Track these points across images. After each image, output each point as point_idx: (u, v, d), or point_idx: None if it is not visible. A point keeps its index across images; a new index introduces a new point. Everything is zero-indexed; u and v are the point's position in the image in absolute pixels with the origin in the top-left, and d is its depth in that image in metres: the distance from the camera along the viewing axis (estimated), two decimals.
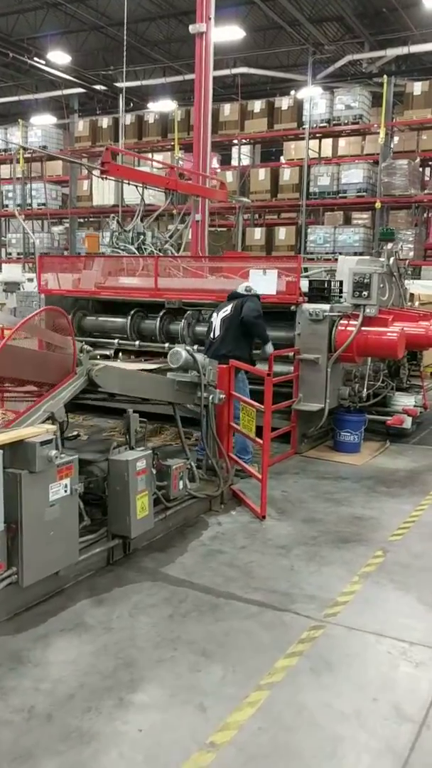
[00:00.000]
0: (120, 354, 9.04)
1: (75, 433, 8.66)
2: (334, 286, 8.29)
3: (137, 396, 5.89)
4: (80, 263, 10.32)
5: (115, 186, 20.86)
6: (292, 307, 8.00)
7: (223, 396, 6.28)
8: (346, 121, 19.61)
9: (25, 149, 23.02)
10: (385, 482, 7.25)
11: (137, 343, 8.96)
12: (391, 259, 8.66)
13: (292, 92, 21.56)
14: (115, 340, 9.07)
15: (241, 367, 6.63)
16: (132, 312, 9.07)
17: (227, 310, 7.35)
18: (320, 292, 8.11)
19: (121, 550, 5.20)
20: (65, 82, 21.73)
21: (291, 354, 8.02)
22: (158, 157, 19.70)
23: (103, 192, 21.99)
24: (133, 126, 22.26)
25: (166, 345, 8.69)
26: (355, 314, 7.80)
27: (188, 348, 6.02)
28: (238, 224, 18.15)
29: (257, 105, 20.84)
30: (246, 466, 6.68)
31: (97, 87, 21.95)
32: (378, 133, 19.05)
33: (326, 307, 7.86)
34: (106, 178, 10.94)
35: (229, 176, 21.24)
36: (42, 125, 23.63)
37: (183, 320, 8.67)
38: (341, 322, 7.91)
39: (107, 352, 8.96)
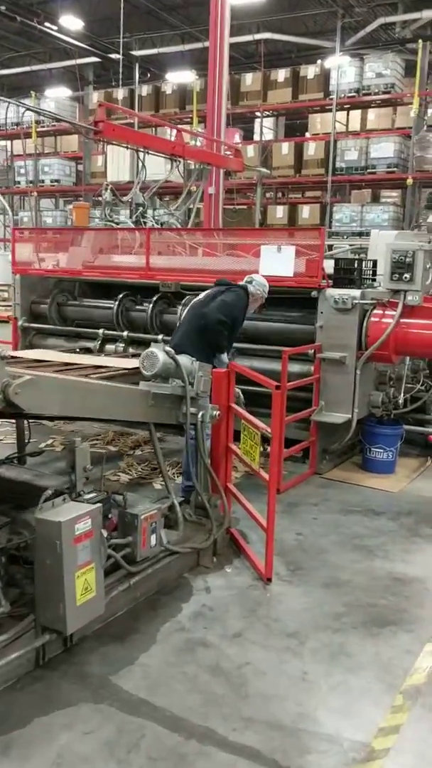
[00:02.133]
0: (105, 346, 7.30)
1: (49, 441, 7.02)
2: (365, 266, 6.48)
3: (91, 417, 4.16)
4: (64, 237, 8.56)
5: (130, 161, 19.03)
6: (313, 293, 6.19)
7: (217, 412, 4.52)
8: (376, 90, 17.50)
9: (37, 123, 21.30)
10: (429, 520, 5.45)
11: (125, 334, 7.19)
12: None
13: (319, 61, 19.46)
14: (100, 330, 7.30)
15: (243, 373, 4.85)
16: (120, 296, 7.30)
17: (200, 296, 5.55)
18: (349, 274, 6.30)
19: (60, 642, 3.50)
20: (79, 50, 19.85)
21: (311, 351, 6.24)
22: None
23: (117, 167, 20.10)
24: (150, 98, 20.31)
25: (160, 337, 6.92)
26: (393, 302, 5.97)
27: (168, 348, 4.26)
28: (257, 198, 16.20)
29: (281, 74, 18.77)
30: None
31: (112, 56, 20.02)
32: (410, 104, 16.98)
33: (356, 293, 6.05)
34: (100, 140, 9.19)
35: (250, 151, 19.27)
36: (55, 97, 21.79)
37: (180, 307, 6.89)
38: (375, 311, 6.09)
39: (91, 345, 7.22)
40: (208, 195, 12.11)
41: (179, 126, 18.10)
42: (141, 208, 9.05)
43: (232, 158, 10.92)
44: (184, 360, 4.34)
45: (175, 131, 10.20)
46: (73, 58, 20.78)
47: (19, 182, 22.05)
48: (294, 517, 5.40)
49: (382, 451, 6.41)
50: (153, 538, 3.98)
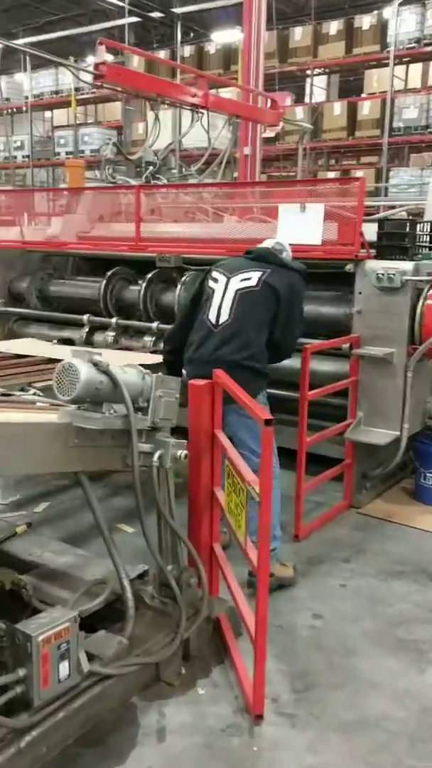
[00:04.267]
0: (94, 336, 5.70)
1: None
2: (421, 230, 4.69)
3: None
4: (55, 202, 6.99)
5: (171, 125, 17.31)
6: (348, 266, 4.44)
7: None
8: None
9: (77, 90, 19.77)
10: None
11: (114, 320, 5.57)
12: None
13: (375, 11, 17.17)
14: (85, 317, 5.70)
15: (227, 389, 3.16)
16: (109, 274, 5.67)
17: (249, 278, 3.64)
18: (398, 240, 4.51)
19: None
20: (117, 9, 18.16)
21: (346, 345, 4.52)
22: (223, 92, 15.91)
23: (160, 134, 18.42)
24: (192, 59, 18.49)
25: (155, 325, 5.31)
26: None
27: (97, 358, 2.62)
28: (299, 158, 14.27)
29: (333, 26, 16.67)
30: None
31: (153, 15, 18.27)
32: None
33: (407, 266, 4.28)
34: (102, 85, 7.58)
35: (299, 113, 17.31)
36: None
37: (179, 285, 5.23)
38: None
39: (75, 335, 5.66)
40: (244, 156, 10.40)
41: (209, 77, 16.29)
42: (151, 168, 7.40)
43: (266, 110, 9.09)
44: (130, 374, 2.71)
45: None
46: (113, 18, 19.12)
47: (59, 153, 20.69)
48: (313, 582, 3.74)
49: None
50: (64, 667, 2.41)
